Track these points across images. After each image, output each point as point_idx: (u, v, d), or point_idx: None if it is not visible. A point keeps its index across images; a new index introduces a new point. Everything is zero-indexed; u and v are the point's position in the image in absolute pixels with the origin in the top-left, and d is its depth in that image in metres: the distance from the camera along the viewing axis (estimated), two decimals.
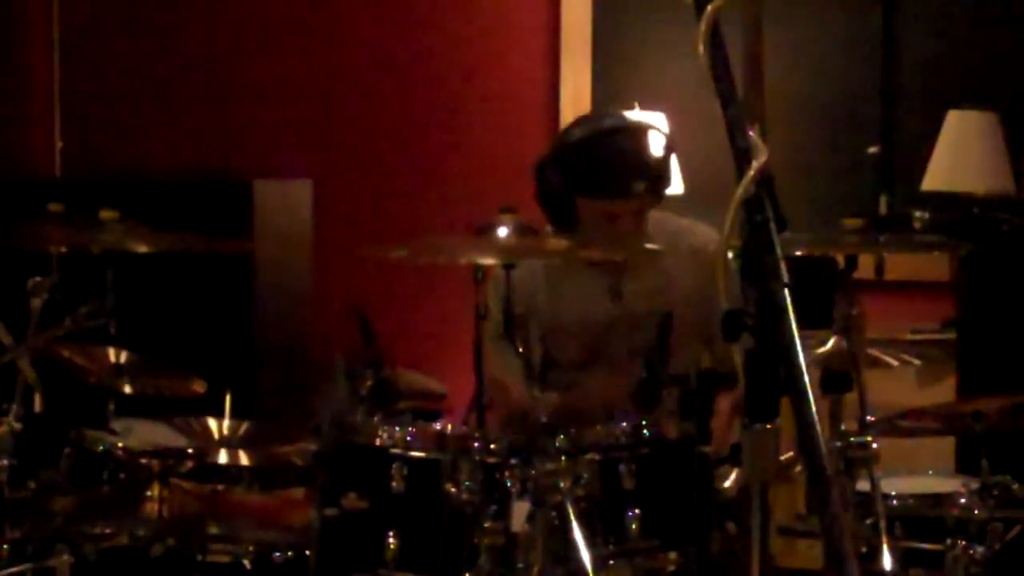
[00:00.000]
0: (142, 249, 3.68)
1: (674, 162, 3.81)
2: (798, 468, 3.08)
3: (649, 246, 3.66)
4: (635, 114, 3.96)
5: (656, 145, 3.69)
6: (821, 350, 3.19)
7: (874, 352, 3.48)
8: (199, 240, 3.88)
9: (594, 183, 3.67)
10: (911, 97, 5.47)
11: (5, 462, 3.47)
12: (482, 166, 5.64)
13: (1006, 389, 3.63)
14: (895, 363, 3.58)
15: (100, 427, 3.60)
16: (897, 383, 4.39)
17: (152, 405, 3.82)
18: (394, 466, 3.00)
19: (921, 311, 5.30)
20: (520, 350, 3.06)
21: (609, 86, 5.58)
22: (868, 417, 3.19)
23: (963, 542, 3.32)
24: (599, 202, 3.67)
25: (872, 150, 5.39)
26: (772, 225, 1.86)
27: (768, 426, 1.86)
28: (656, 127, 3.77)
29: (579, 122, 3.90)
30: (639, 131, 3.72)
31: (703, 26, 1.91)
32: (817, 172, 5.51)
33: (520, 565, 2.91)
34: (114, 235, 3.60)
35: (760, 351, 1.86)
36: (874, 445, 3.16)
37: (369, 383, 3.12)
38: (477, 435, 3.03)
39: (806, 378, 1.80)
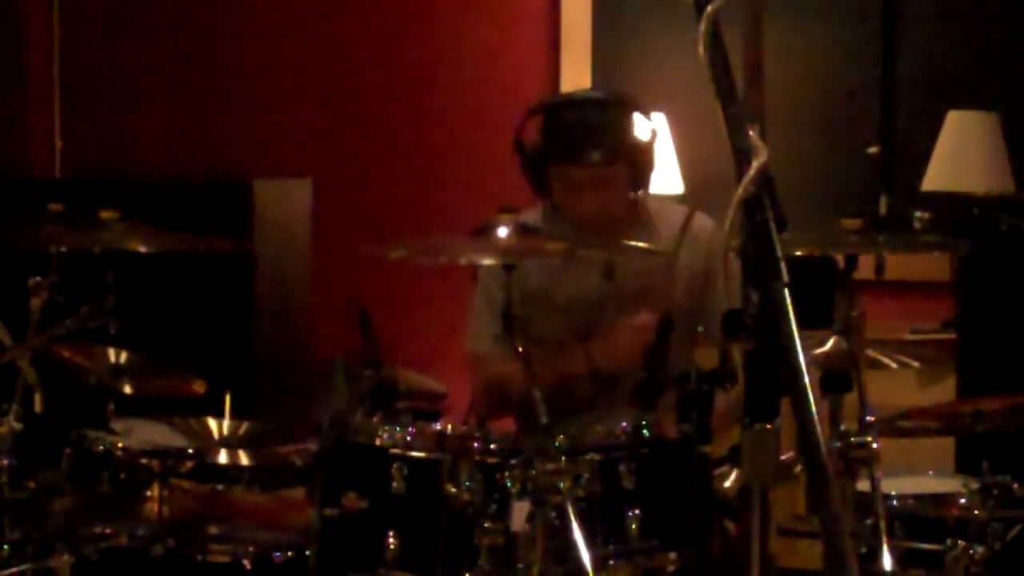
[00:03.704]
0: (142, 249, 3.68)
1: (660, 149, 3.82)
2: (798, 468, 3.08)
3: (644, 245, 3.67)
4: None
5: (635, 124, 3.71)
6: (821, 350, 3.19)
7: (874, 354, 3.48)
8: (199, 240, 3.88)
9: (553, 147, 3.72)
10: (911, 97, 5.47)
11: (5, 462, 3.46)
12: (482, 166, 5.64)
13: (1006, 389, 3.63)
14: (894, 365, 3.58)
15: (100, 427, 3.60)
16: (897, 383, 4.39)
17: (152, 405, 3.82)
18: (394, 466, 3.00)
19: (921, 311, 5.30)
20: (520, 350, 3.06)
21: (609, 86, 5.58)
22: (868, 417, 3.19)
23: (963, 542, 3.32)
24: (559, 167, 3.72)
25: (872, 150, 5.39)
26: (772, 225, 1.86)
27: (768, 426, 1.86)
28: (640, 106, 3.77)
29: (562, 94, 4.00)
30: (614, 104, 3.75)
31: (703, 26, 1.92)
32: (817, 172, 5.51)
33: (520, 565, 2.91)
34: (114, 235, 3.60)
35: (760, 351, 1.86)
36: (874, 445, 3.16)
37: (369, 383, 3.12)
38: (477, 435, 3.03)
39: (806, 378, 1.80)
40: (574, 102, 3.82)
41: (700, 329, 3.63)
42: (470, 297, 3.90)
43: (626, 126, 3.71)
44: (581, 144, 3.68)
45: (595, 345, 3.72)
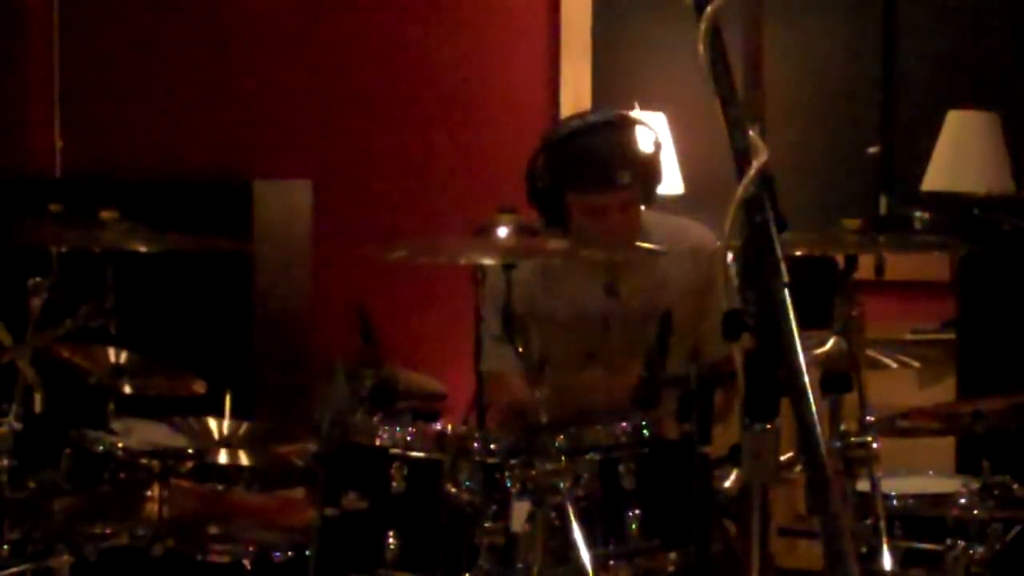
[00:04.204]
0: (142, 249, 3.68)
1: (665, 159, 3.81)
2: (798, 468, 3.08)
3: (647, 245, 3.66)
4: (634, 114, 3.96)
5: (644, 140, 3.69)
6: (821, 350, 3.19)
7: (874, 354, 3.48)
8: (199, 240, 3.88)
9: (579, 177, 3.67)
10: (911, 97, 5.48)
11: (5, 462, 3.46)
12: (482, 166, 5.64)
13: (1006, 389, 3.63)
14: (894, 365, 3.58)
15: (100, 427, 3.60)
16: (897, 383, 4.39)
17: (152, 405, 3.82)
18: (394, 466, 3.00)
19: (921, 311, 5.30)
20: (520, 350, 3.06)
21: (609, 86, 5.58)
22: (868, 417, 3.19)
23: (963, 542, 3.32)
24: (586, 196, 3.68)
25: (872, 150, 5.39)
26: (772, 225, 1.86)
27: (768, 426, 1.86)
28: (643, 122, 3.77)
29: (568, 118, 3.94)
30: (624, 125, 3.72)
31: (703, 26, 1.91)
32: (817, 172, 5.51)
33: (520, 565, 2.91)
34: (114, 235, 3.59)
35: (760, 351, 1.86)
36: (874, 445, 3.16)
37: (369, 383, 3.12)
38: (477, 435, 3.03)
39: (806, 378, 1.80)
40: (587, 129, 3.73)
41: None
42: (473, 299, 3.88)
43: (639, 143, 3.70)
44: (609, 170, 3.63)
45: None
